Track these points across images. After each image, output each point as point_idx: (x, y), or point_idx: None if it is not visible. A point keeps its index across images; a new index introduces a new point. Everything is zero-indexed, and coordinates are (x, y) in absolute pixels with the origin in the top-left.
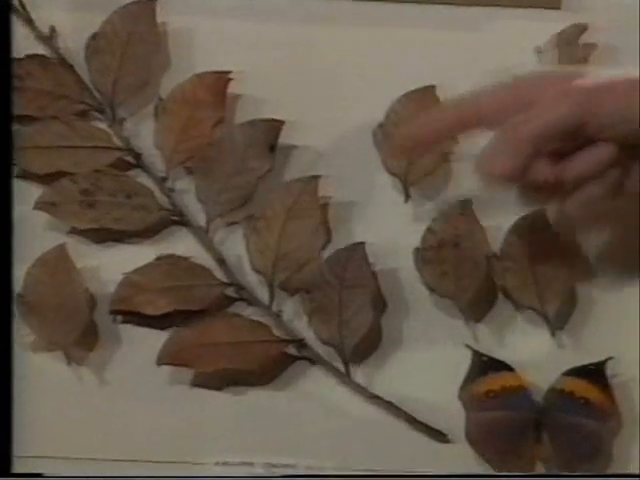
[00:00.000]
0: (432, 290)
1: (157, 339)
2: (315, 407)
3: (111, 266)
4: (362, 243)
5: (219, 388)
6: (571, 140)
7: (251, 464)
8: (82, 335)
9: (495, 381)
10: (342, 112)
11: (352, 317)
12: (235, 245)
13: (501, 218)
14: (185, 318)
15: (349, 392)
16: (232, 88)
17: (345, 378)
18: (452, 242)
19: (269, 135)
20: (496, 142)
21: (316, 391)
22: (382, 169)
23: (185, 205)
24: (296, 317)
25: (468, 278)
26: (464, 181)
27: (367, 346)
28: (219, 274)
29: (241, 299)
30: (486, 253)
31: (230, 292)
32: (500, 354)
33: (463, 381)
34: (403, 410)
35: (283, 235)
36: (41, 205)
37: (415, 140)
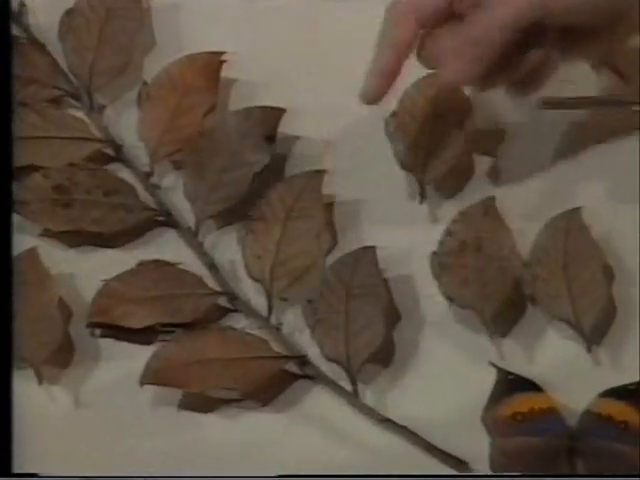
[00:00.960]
0: (451, 300)
1: (140, 355)
2: (319, 432)
3: (88, 273)
4: (372, 247)
5: (210, 411)
6: (528, 33)
7: None
8: (56, 351)
9: (523, 403)
10: (350, 99)
11: (361, 330)
12: (229, 249)
13: (530, 218)
14: (172, 332)
15: (357, 415)
16: (225, 71)
17: (353, 399)
18: (474, 245)
19: (267, 124)
20: (460, 42)
21: (320, 414)
22: (395, 163)
23: (172, 204)
24: (297, 330)
25: (492, 286)
26: (487, 177)
27: (378, 363)
28: (210, 282)
29: (235, 310)
30: (513, 258)
31: (223, 302)
32: (529, 372)
33: (487, 403)
34: (419, 435)
35: (283, 238)
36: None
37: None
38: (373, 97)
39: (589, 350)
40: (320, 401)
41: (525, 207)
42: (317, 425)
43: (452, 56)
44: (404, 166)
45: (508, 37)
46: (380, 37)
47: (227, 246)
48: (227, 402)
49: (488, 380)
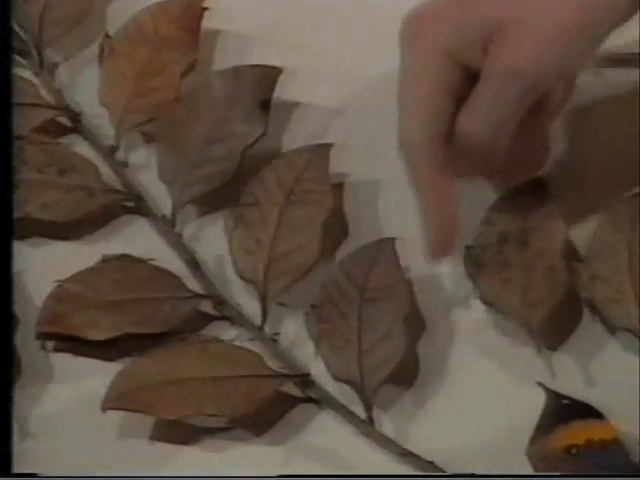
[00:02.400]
0: (490, 305)
1: (103, 374)
2: (324, 468)
3: (38, 271)
4: (391, 239)
5: (189, 442)
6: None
7: None
8: None
9: (579, 432)
10: (362, 57)
11: (377, 343)
12: (213, 242)
13: (587, 203)
14: (142, 345)
15: (372, 447)
16: (208, 21)
17: (367, 428)
18: (518, 238)
19: (261, 87)
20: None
21: (326, 446)
22: None
23: (142, 186)
24: (298, 342)
25: (541, 288)
26: (534, 155)
27: (398, 384)
28: (191, 283)
29: (221, 317)
30: (566, 254)
31: (206, 308)
32: (586, 395)
33: (534, 432)
34: (448, 473)
35: (281, 228)
36: None
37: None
38: (441, 257)
39: None
40: (326, 430)
41: (582, 190)
42: (323, 460)
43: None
44: None
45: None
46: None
47: (211, 238)
48: (211, 432)
49: (535, 405)
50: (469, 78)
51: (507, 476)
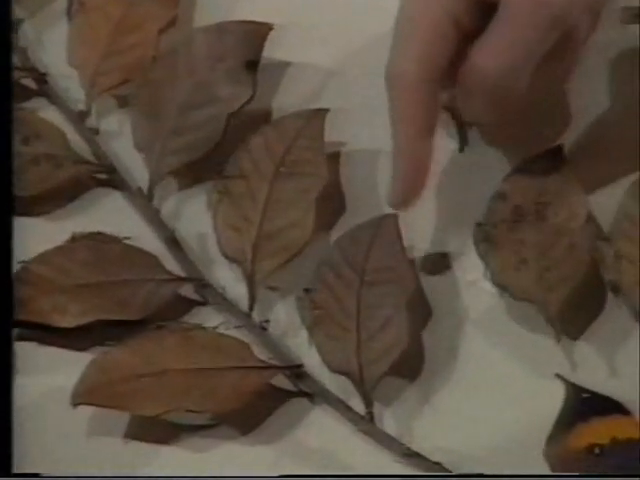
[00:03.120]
0: (503, 288)
1: (73, 366)
2: (319, 469)
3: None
4: (393, 215)
5: (169, 441)
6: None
7: None
8: None
9: (603, 430)
10: (360, 12)
11: (378, 331)
12: (195, 218)
13: (611, 174)
14: (116, 333)
15: (373, 447)
16: None
17: (367, 425)
18: (535, 213)
19: (248, 46)
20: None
21: (321, 445)
22: None
23: (116, 155)
24: (290, 330)
25: (560, 270)
26: (552, 118)
27: (401, 376)
28: (170, 264)
29: (204, 303)
30: (589, 231)
31: (187, 292)
32: (610, 388)
33: (552, 430)
34: (456, 474)
35: (270, 203)
36: None
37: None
38: (403, 203)
39: None
40: (322, 428)
41: (605, 160)
42: (317, 461)
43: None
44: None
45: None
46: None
47: (193, 214)
48: (193, 430)
49: (554, 399)
50: (478, 8)
51: (510, 476)
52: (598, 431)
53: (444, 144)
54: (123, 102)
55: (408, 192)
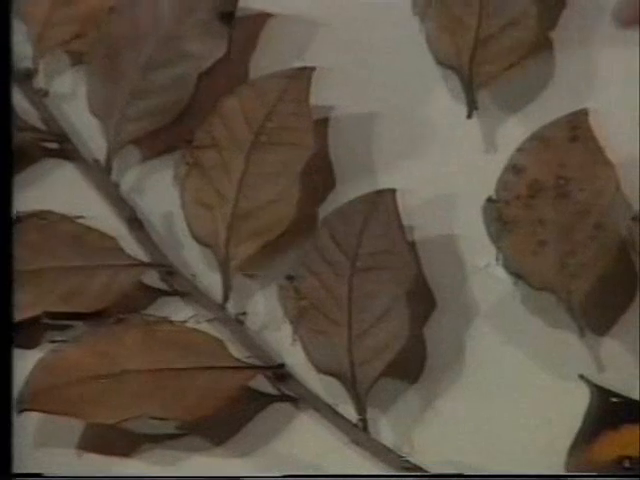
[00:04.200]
0: (518, 276)
1: (16, 365)
2: None
3: None
4: (391, 191)
5: (131, 454)
6: None
7: None
8: None
9: (633, 440)
10: None
11: (373, 325)
12: (160, 195)
13: None
14: (68, 328)
15: (366, 459)
16: None
17: (360, 434)
18: (555, 189)
19: None
20: None
21: (307, 457)
22: (427, 55)
23: (69, 121)
24: (271, 324)
25: (584, 254)
26: (573, 84)
27: (400, 377)
28: (131, 247)
29: (172, 292)
30: (617, 209)
31: (152, 280)
32: None
33: (575, 439)
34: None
35: (248, 176)
36: None
37: None
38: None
39: None
40: (307, 437)
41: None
42: (303, 472)
43: None
44: (441, 59)
45: None
46: None
47: (158, 190)
48: (158, 440)
49: (577, 404)
50: None
51: (509, 476)
52: (628, 441)
53: (449, 108)
54: (76, 59)
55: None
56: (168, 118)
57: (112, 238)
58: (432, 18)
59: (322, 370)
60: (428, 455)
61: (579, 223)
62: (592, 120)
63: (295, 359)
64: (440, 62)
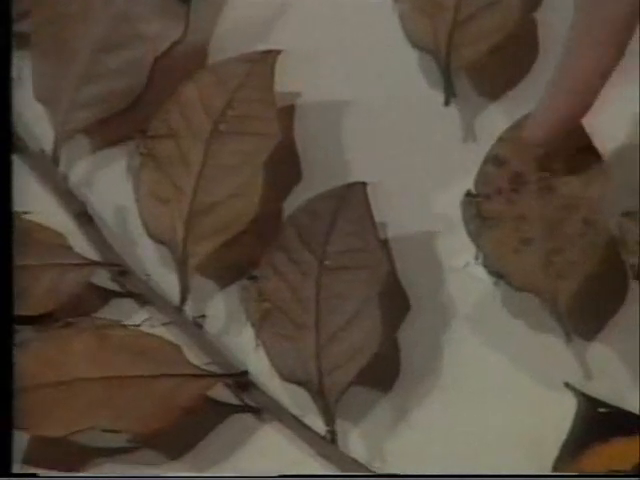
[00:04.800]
0: (499, 276)
1: None
2: None
3: None
4: (362, 184)
5: (78, 468)
6: None
7: None
8: None
9: (624, 453)
10: None
11: (343, 328)
12: (112, 187)
13: (636, 132)
14: (10, 331)
15: (335, 473)
16: None
17: (328, 447)
18: (539, 182)
19: None
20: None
21: (271, 471)
22: (402, 39)
23: (12, 108)
24: (233, 328)
25: (571, 253)
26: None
27: (371, 386)
28: (80, 244)
29: (125, 293)
30: (608, 204)
31: (103, 280)
32: (633, 401)
33: (560, 452)
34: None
35: (207, 168)
36: None
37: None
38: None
39: None
40: (271, 451)
41: (626, 113)
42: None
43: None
44: (417, 42)
45: None
46: None
47: (110, 182)
48: (109, 454)
49: (563, 414)
50: None
51: (508, 476)
52: (618, 454)
53: (425, 95)
54: (22, 41)
55: (560, 124)
56: (121, 105)
57: (60, 235)
58: None
59: (287, 378)
60: (401, 469)
61: (565, 219)
62: None
63: (258, 366)
64: (415, 45)
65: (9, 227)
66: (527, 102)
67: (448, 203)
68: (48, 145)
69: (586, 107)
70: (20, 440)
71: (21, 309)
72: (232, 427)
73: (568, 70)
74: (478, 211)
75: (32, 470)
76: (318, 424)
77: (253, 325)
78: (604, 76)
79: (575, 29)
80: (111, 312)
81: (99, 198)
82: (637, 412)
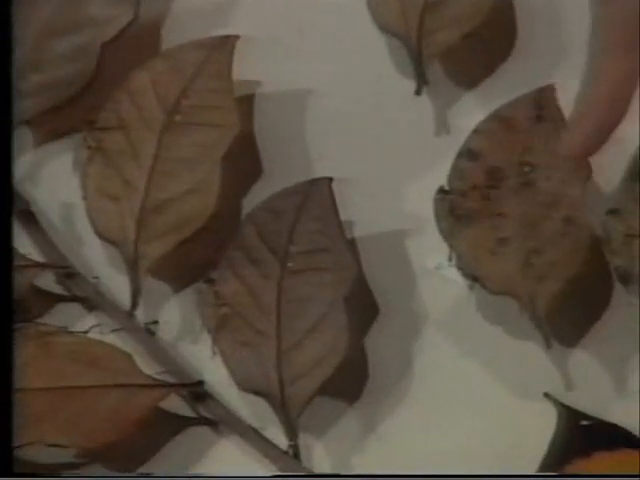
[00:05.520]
0: (475, 279)
1: None
2: None
3: None
4: (326, 180)
5: None
6: None
7: None
8: None
9: (607, 467)
10: None
11: (306, 335)
12: (58, 183)
13: (622, 125)
14: None
15: None
16: None
17: (291, 462)
18: (518, 177)
19: None
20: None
21: None
22: (370, 23)
23: None
24: (188, 335)
25: (551, 253)
26: (539, 56)
27: (337, 396)
28: (23, 245)
29: (72, 297)
30: (591, 201)
31: (47, 283)
32: (619, 413)
33: (540, 467)
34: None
35: (160, 162)
36: None
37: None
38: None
39: None
40: (229, 466)
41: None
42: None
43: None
44: (385, 26)
45: None
46: None
47: (55, 178)
48: (55, 469)
49: (543, 427)
50: None
51: (507, 476)
52: (601, 469)
53: (395, 83)
54: None
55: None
56: (67, 94)
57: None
58: None
59: (246, 388)
60: None
61: (545, 217)
62: (560, 97)
63: (215, 375)
64: (384, 29)
65: (9, 227)
66: (504, 91)
67: (419, 200)
68: None
69: (623, 113)
70: None
71: None
72: (187, 441)
73: (600, 75)
74: (451, 209)
75: None
76: (280, 438)
77: (210, 332)
78: (637, 78)
79: (600, 29)
80: (57, 318)
81: (43, 195)
82: (621, 424)
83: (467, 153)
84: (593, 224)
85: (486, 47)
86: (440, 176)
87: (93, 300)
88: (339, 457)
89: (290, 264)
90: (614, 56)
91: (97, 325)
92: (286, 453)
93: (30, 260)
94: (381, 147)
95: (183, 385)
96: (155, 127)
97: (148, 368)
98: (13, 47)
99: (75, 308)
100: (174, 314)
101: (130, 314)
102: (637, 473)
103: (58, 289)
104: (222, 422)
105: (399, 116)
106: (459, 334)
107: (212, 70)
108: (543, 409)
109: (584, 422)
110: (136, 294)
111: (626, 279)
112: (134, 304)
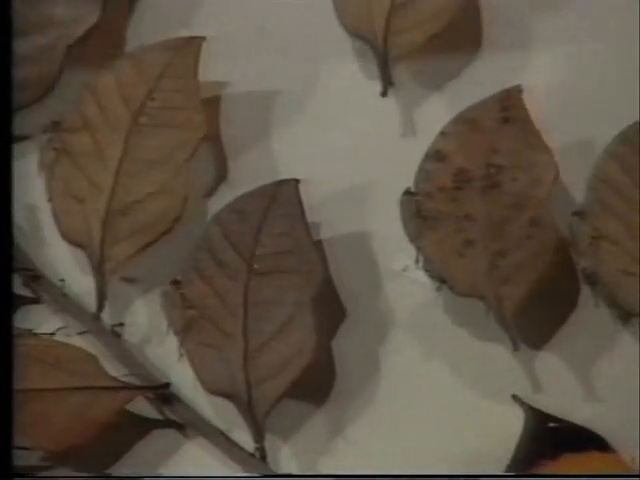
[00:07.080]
0: (441, 281)
1: None
2: None
3: None
4: (292, 181)
5: None
6: None
7: None
8: None
9: (575, 469)
10: None
11: (273, 337)
12: (22, 185)
13: (587, 128)
14: None
15: None
16: None
17: (257, 465)
18: (484, 179)
19: None
20: None
21: None
22: (335, 24)
23: None
24: (154, 337)
25: (518, 255)
26: (505, 58)
27: (303, 399)
28: None
29: (37, 299)
30: (558, 203)
31: (13, 284)
32: (587, 414)
33: (507, 469)
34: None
35: (126, 164)
36: None
37: None
38: None
39: None
40: (195, 469)
41: (577, 106)
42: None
43: None
44: (351, 27)
45: None
46: None
47: (19, 179)
48: (19, 473)
49: (510, 429)
50: None
51: (508, 476)
52: (568, 470)
53: (361, 84)
54: None
55: None
56: (32, 96)
57: None
58: None
59: (213, 391)
60: None
61: (512, 219)
62: (527, 99)
63: (182, 378)
64: (350, 31)
65: (9, 226)
66: (471, 93)
67: (386, 202)
68: None
69: None
70: None
71: None
72: (153, 443)
73: None
74: (418, 210)
75: None
76: (246, 440)
77: (176, 334)
78: None
79: None
80: (22, 320)
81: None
82: (588, 427)
83: (434, 155)
84: (559, 226)
85: (452, 48)
86: (407, 178)
87: (59, 302)
88: (306, 459)
89: (256, 266)
90: None
91: (63, 327)
92: (252, 455)
93: None
94: (347, 149)
95: (149, 387)
96: (121, 129)
97: (114, 370)
98: None
99: (41, 310)
100: (140, 316)
101: (96, 316)
102: (605, 474)
103: (24, 291)
104: (189, 424)
105: (365, 118)
106: (426, 336)
107: (178, 71)
108: (510, 411)
109: (551, 424)
110: (102, 296)
111: (592, 281)
112: (100, 306)
